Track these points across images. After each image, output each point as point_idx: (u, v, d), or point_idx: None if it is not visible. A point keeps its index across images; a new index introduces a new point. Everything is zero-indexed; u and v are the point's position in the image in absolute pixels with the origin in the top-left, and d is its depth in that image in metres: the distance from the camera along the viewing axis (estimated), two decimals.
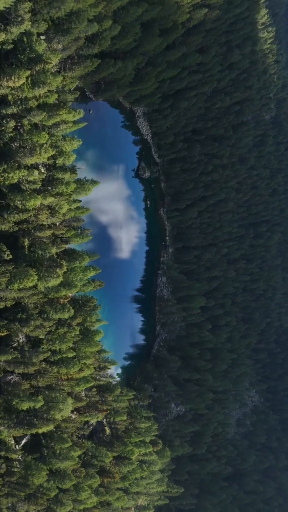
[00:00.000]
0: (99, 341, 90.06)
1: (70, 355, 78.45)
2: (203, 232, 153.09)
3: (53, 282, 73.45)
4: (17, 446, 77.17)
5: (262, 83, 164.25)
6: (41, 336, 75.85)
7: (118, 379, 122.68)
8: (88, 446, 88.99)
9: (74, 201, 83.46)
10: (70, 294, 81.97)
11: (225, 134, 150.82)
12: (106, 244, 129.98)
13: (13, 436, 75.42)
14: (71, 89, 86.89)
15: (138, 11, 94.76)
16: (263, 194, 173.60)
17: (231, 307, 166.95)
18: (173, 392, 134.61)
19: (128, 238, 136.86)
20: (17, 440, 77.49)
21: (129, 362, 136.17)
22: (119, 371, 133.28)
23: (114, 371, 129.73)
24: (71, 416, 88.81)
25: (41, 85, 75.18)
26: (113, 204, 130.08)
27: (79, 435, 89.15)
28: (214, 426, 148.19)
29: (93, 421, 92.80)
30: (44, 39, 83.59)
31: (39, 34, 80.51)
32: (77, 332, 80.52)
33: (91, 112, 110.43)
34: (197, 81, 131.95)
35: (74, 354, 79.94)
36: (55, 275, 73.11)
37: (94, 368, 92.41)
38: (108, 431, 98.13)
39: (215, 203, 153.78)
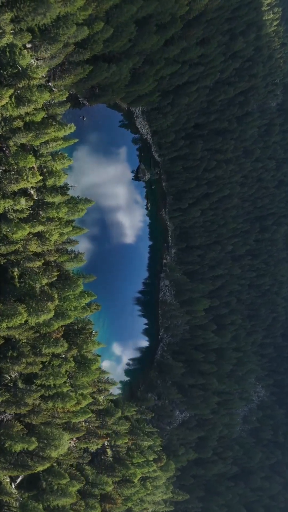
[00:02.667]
0: (99, 367, 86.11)
1: (66, 389, 74.53)
2: (207, 230, 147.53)
3: (44, 317, 68.94)
4: (13, 484, 74.20)
5: (267, 70, 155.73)
6: (35, 371, 71.85)
7: (119, 392, 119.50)
8: (88, 473, 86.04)
9: (67, 223, 78.09)
10: (64, 325, 77.54)
11: (229, 127, 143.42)
12: (106, 249, 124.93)
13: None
14: (61, 101, 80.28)
15: (132, 9, 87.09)
16: (269, 186, 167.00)
17: (236, 305, 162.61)
18: (178, 399, 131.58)
19: (129, 241, 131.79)
20: (13, 478, 74.50)
21: (132, 368, 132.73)
22: (123, 376, 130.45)
23: (117, 379, 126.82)
24: (70, 442, 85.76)
25: (26, 103, 69.14)
26: (113, 208, 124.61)
27: (79, 464, 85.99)
28: (219, 430, 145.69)
29: (93, 449, 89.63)
30: (30, 48, 77.12)
31: (23, 45, 73.98)
32: (72, 364, 76.34)
33: (84, 119, 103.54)
34: (198, 75, 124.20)
35: (70, 388, 76.05)
36: (46, 310, 68.53)
37: (93, 392, 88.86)
38: (109, 452, 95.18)
39: (219, 199, 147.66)
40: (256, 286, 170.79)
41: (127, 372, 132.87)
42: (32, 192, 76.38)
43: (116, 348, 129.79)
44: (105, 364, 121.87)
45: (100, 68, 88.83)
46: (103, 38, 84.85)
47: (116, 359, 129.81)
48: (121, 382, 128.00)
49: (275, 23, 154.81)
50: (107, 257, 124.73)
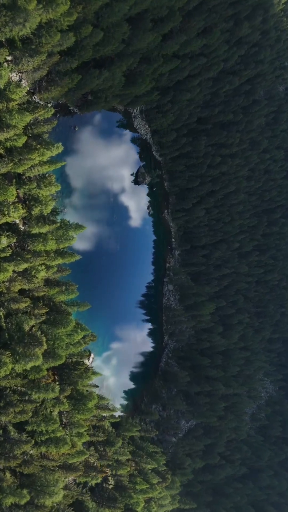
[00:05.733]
0: (96, 400, 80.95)
1: (59, 434, 69.71)
2: (212, 229, 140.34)
3: (32, 364, 63.51)
4: None
5: (275, 53, 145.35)
6: (25, 419, 66.94)
7: (123, 401, 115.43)
8: (88, 507, 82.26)
9: (56, 254, 71.78)
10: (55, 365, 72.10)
11: (234, 119, 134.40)
12: (107, 254, 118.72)
13: None
14: (47, 119, 72.92)
15: (124, 7, 78.34)
16: (276, 178, 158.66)
17: (244, 303, 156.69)
18: (183, 409, 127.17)
19: (131, 245, 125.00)
20: None
21: (136, 378, 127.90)
22: (127, 385, 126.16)
23: (120, 390, 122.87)
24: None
25: (5, 128, 62.12)
26: (114, 211, 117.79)
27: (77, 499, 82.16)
28: (227, 435, 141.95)
29: (92, 483, 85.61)
30: (10, 61, 69.43)
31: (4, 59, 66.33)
32: (66, 406, 71.38)
33: (76, 129, 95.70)
34: (200, 67, 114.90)
35: (63, 432, 71.22)
36: (34, 356, 63.07)
37: (91, 424, 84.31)
38: (111, 480, 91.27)
39: (224, 196, 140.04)
40: (263, 282, 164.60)
41: (131, 378, 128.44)
42: (17, 221, 70.05)
43: (119, 357, 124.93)
44: (106, 375, 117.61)
45: (90, 75, 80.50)
46: (92, 43, 76.55)
47: (118, 368, 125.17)
48: (124, 392, 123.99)
49: (283, 0, 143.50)
50: (108, 262, 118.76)
